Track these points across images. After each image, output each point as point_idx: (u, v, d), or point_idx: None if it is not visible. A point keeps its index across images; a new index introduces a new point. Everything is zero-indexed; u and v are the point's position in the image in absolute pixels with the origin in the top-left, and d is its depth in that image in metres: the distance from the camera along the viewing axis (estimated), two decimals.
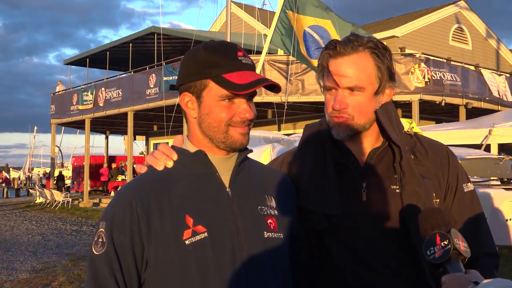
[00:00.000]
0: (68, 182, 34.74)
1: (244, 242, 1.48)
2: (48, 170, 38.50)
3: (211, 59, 1.49)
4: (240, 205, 1.52)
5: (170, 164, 1.55)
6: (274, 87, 1.52)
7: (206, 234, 1.45)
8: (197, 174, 1.53)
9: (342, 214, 1.64)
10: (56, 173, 31.74)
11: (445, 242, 1.30)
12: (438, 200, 1.67)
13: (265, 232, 1.53)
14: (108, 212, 1.49)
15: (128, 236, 1.43)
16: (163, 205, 1.47)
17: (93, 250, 1.46)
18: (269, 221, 1.55)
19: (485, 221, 1.74)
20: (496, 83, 17.50)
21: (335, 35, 7.65)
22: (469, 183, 1.76)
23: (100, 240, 1.46)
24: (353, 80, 1.63)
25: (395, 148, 1.67)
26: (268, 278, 1.51)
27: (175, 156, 1.56)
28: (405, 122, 1.81)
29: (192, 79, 1.51)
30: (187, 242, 1.43)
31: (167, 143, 1.69)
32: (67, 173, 38.25)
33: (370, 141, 1.72)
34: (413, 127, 1.81)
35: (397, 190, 1.65)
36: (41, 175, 41.72)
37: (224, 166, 1.55)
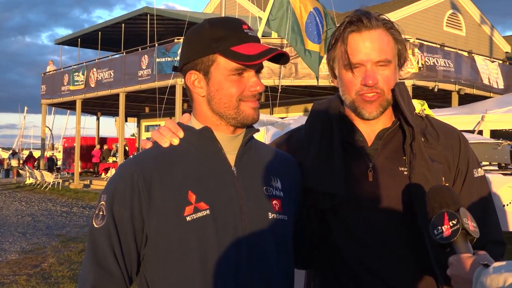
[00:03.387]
0: (59, 164, 34.52)
1: (248, 222, 1.46)
2: (36, 153, 37.89)
3: (217, 33, 1.45)
4: (245, 184, 1.49)
5: (176, 141, 1.51)
6: (281, 58, 1.48)
7: (208, 212, 1.42)
8: (203, 152, 1.49)
9: (346, 194, 1.61)
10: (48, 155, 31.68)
11: (453, 222, 1.26)
12: (447, 184, 1.62)
13: (270, 213, 1.50)
14: (110, 185, 1.47)
15: (128, 209, 1.41)
16: (166, 179, 1.44)
17: (93, 223, 1.45)
18: (274, 202, 1.52)
19: (493, 208, 1.71)
20: (488, 70, 17.54)
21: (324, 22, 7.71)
22: (479, 169, 1.72)
23: (101, 213, 1.44)
24: (383, 54, 1.60)
25: (407, 129, 1.63)
26: (272, 260, 1.49)
27: (181, 133, 1.52)
28: (416, 103, 1.77)
29: (199, 56, 1.46)
30: (188, 218, 1.40)
31: (159, 125, 1.64)
32: (60, 156, 37.82)
33: (381, 121, 1.68)
34: (424, 109, 1.76)
35: (405, 172, 1.61)
36: (9, 154, 37.72)
37: (230, 145, 1.51)
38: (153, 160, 1.47)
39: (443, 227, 1.27)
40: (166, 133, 1.52)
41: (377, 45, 1.60)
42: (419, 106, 1.76)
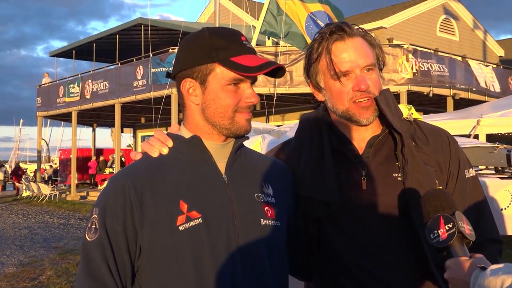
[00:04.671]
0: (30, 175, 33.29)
1: (240, 228, 1.45)
2: (25, 164, 37.02)
3: (217, 43, 1.45)
4: (236, 191, 1.49)
5: (165, 150, 1.51)
6: (278, 72, 1.49)
7: (200, 220, 1.42)
8: (193, 160, 1.49)
9: (341, 201, 1.61)
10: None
11: (449, 225, 1.27)
12: (440, 187, 1.63)
13: (262, 220, 1.50)
14: (101, 198, 1.46)
15: (121, 222, 1.40)
16: (157, 190, 1.43)
17: (86, 237, 1.44)
18: (266, 208, 1.52)
19: (487, 207, 1.72)
20: (483, 73, 17.60)
21: (335, 20, 7.67)
22: (470, 169, 1.73)
23: (93, 226, 1.43)
24: (370, 59, 1.63)
25: (396, 135, 1.64)
26: (265, 266, 1.48)
27: (170, 143, 1.52)
28: (403, 108, 1.78)
29: (196, 64, 1.46)
30: (180, 228, 1.40)
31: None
32: (29, 166, 36.79)
33: (370, 129, 1.69)
34: (412, 113, 1.77)
35: (399, 178, 1.62)
36: None
37: (220, 153, 1.52)
38: (144, 171, 1.47)
39: (439, 231, 1.27)
40: (155, 143, 1.53)
41: (362, 51, 1.62)
42: (407, 110, 1.77)
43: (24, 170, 32.80)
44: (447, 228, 1.27)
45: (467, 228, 1.28)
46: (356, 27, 1.67)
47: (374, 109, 1.64)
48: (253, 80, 1.49)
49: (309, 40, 7.84)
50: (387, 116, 1.63)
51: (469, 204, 1.67)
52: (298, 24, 7.86)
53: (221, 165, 1.51)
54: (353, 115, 1.64)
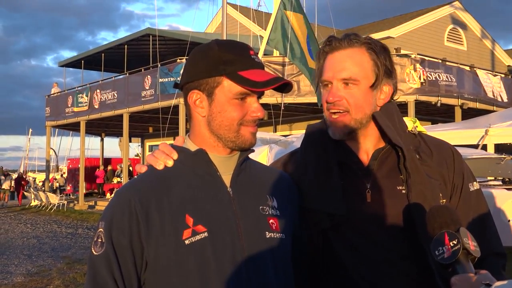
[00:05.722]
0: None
1: (246, 242, 1.46)
2: (34, 174, 36.82)
3: (226, 56, 1.46)
4: (241, 205, 1.50)
5: (170, 163, 1.52)
6: (285, 87, 1.51)
7: (206, 234, 1.42)
8: (198, 174, 1.50)
9: (346, 213, 1.61)
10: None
11: (454, 242, 1.26)
12: (444, 200, 1.64)
13: (267, 233, 1.51)
14: (107, 212, 1.47)
15: (127, 236, 1.41)
16: (163, 204, 1.44)
17: (93, 251, 1.44)
18: (270, 221, 1.53)
19: (491, 220, 1.72)
20: (491, 83, 17.55)
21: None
22: (474, 182, 1.73)
23: (100, 240, 1.44)
24: (347, 72, 1.62)
25: (398, 149, 1.64)
26: (270, 279, 1.49)
27: (175, 155, 1.53)
28: (408, 121, 1.78)
29: (204, 76, 1.47)
30: (186, 242, 1.41)
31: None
32: (38, 175, 36.55)
33: (373, 141, 1.70)
34: (417, 126, 1.78)
35: (403, 191, 1.62)
36: None
37: (225, 166, 1.52)
38: (149, 185, 1.47)
39: (444, 248, 1.27)
40: (160, 155, 1.53)
41: (345, 64, 1.63)
42: (411, 123, 1.78)
43: (27, 180, 32.39)
44: (452, 245, 1.26)
45: (472, 244, 1.28)
46: (366, 38, 1.67)
47: (343, 125, 1.64)
48: (260, 95, 1.50)
49: (310, 63, 7.87)
50: (386, 131, 1.64)
51: (473, 217, 1.67)
52: (300, 39, 7.88)
53: (226, 178, 1.52)
54: (329, 127, 1.68)
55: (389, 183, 1.64)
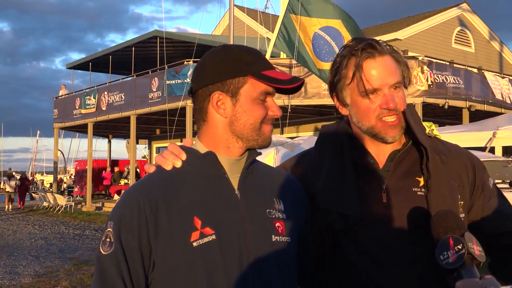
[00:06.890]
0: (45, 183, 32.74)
1: (252, 245, 1.47)
2: (42, 176, 36.68)
3: (247, 57, 1.50)
4: (249, 208, 1.50)
5: (178, 163, 1.52)
6: (296, 88, 1.54)
7: (214, 237, 1.43)
8: (206, 175, 1.51)
9: (360, 214, 1.62)
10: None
11: (459, 247, 1.26)
12: (462, 202, 1.66)
13: (273, 236, 1.51)
14: (116, 212, 1.47)
15: (136, 236, 1.42)
16: (171, 205, 1.45)
17: (101, 250, 1.45)
18: (277, 224, 1.54)
19: (508, 201, 1.77)
20: (499, 85, 17.48)
21: (346, 35, 7.56)
22: (490, 177, 1.77)
23: (108, 240, 1.44)
24: (396, 77, 1.64)
25: (422, 149, 1.66)
26: (276, 282, 1.49)
27: (184, 156, 1.53)
28: (424, 125, 1.80)
29: (228, 77, 1.49)
30: (194, 244, 1.41)
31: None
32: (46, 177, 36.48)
33: (392, 143, 1.70)
34: (433, 130, 1.78)
35: (419, 193, 1.63)
36: (4, 178, 30.95)
37: (233, 168, 1.53)
38: (158, 186, 1.48)
39: (449, 252, 1.27)
40: (169, 156, 1.54)
41: (390, 69, 1.64)
42: (427, 127, 1.78)
43: (31, 180, 31.92)
44: (456, 250, 1.27)
45: (476, 249, 1.28)
46: (384, 44, 1.68)
47: (401, 127, 1.66)
48: (273, 95, 1.54)
49: (320, 64, 7.81)
50: (414, 130, 1.65)
51: (497, 210, 1.70)
52: (305, 43, 7.86)
53: (234, 181, 1.53)
54: (379, 133, 1.65)
55: (405, 184, 1.65)
